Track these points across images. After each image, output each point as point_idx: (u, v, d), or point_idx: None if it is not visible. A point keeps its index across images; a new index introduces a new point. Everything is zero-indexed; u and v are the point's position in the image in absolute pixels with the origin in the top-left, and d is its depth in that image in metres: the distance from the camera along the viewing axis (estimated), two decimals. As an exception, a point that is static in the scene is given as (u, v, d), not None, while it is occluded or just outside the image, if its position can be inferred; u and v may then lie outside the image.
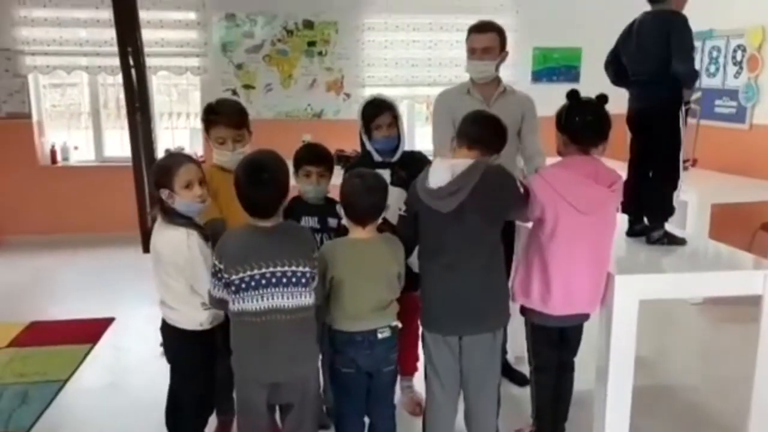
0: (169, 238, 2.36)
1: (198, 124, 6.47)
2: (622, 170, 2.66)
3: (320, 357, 2.45)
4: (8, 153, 6.12)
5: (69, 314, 4.50)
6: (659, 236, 2.89)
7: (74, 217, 6.24)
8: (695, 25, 2.82)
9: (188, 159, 2.45)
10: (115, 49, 4.13)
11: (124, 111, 4.26)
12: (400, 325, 2.47)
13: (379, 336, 2.40)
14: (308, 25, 6.32)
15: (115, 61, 4.18)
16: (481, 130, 2.43)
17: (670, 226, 2.97)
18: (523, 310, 2.67)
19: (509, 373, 3.44)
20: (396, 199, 2.59)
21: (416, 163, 2.85)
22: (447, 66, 6.43)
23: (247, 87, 6.33)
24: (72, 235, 6.18)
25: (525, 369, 3.07)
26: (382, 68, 6.45)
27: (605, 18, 6.01)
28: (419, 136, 6.50)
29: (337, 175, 2.73)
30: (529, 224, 2.61)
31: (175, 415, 2.58)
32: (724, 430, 3.10)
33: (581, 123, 2.47)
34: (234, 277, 2.16)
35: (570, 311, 2.54)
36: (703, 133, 5.07)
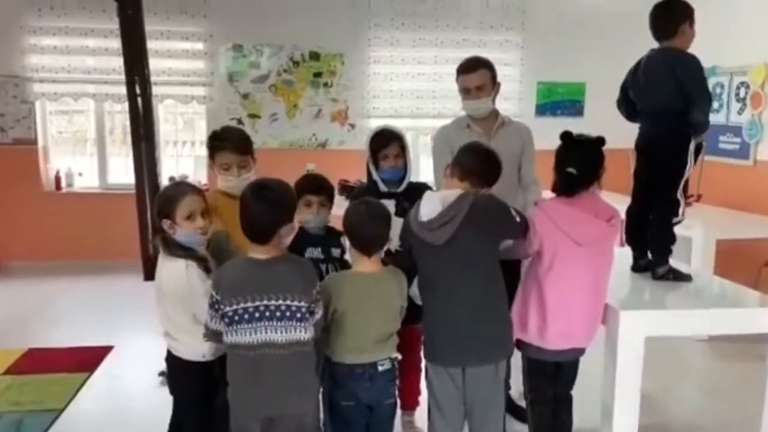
0: (169, 269, 2.34)
1: (203, 152, 6.51)
2: (623, 203, 2.66)
3: (320, 390, 2.41)
4: (13, 178, 6.14)
5: (67, 341, 4.46)
6: (664, 272, 2.87)
7: (77, 243, 6.22)
8: (700, 63, 2.83)
9: (192, 189, 2.43)
10: (122, 77, 4.17)
11: (129, 138, 4.28)
12: (399, 357, 2.44)
13: (380, 368, 2.37)
14: (314, 56, 6.39)
15: (122, 89, 4.20)
16: (475, 161, 2.47)
17: (674, 262, 2.95)
18: (519, 344, 2.65)
19: (512, 408, 3.38)
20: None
21: (421, 194, 2.85)
22: (451, 98, 6.43)
23: (253, 116, 6.37)
24: (74, 262, 6.15)
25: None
26: (387, 100, 6.49)
27: (608, 54, 6.10)
28: (423, 168, 6.51)
29: (341, 206, 2.73)
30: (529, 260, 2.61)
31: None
32: (731, 472, 3.03)
33: (568, 177, 2.48)
34: (228, 309, 2.14)
35: (566, 345, 2.54)
36: (707, 169, 5.06)
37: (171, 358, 2.48)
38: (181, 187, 2.52)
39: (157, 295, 2.42)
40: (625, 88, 3.02)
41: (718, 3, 5.24)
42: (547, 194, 2.66)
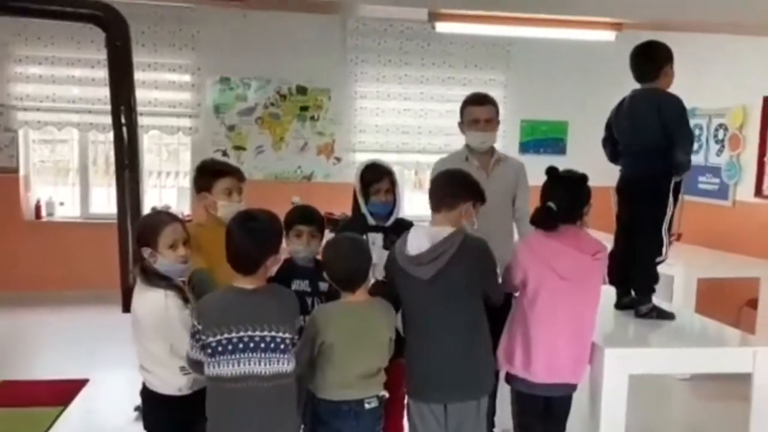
0: (146, 299, 2.30)
1: (187, 183, 6.48)
2: (605, 241, 2.68)
3: (301, 428, 2.36)
4: (-8, 207, 6.06)
5: (42, 374, 4.36)
6: (648, 310, 2.88)
7: (55, 273, 6.12)
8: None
9: (174, 218, 2.41)
10: (107, 107, 4.18)
11: (112, 168, 4.26)
12: (387, 395, 2.41)
13: (366, 406, 2.33)
14: (301, 90, 6.43)
15: (107, 119, 4.20)
16: (433, 187, 2.52)
17: (657, 300, 2.97)
18: (509, 378, 2.64)
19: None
20: None
21: (406, 230, 2.88)
22: (436, 134, 6.54)
23: (238, 148, 6.38)
24: (52, 292, 6.04)
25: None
26: (373, 134, 6.54)
27: (590, 93, 6.23)
28: (407, 202, 6.52)
29: (326, 238, 2.73)
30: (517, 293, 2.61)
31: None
32: None
33: (546, 211, 2.51)
34: (211, 339, 2.10)
35: (552, 380, 2.52)
36: (687, 209, 5.12)
37: (146, 392, 2.42)
38: (162, 215, 2.52)
39: (134, 327, 2.37)
40: (609, 129, 3.07)
41: (697, 46, 5.37)
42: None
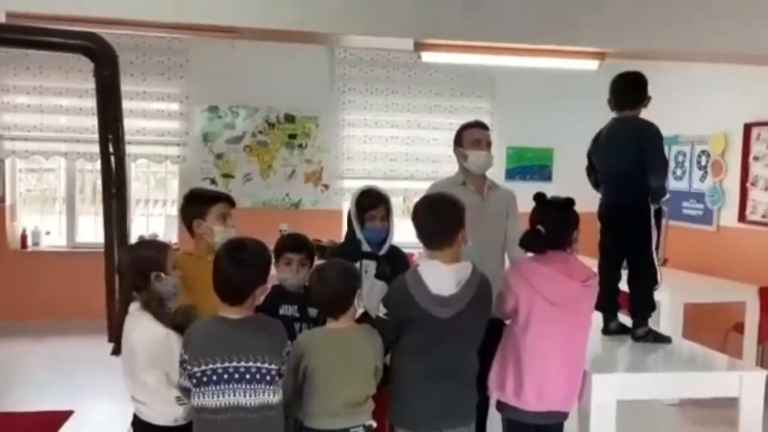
0: (145, 328, 2.27)
1: (174, 211, 6.47)
2: (593, 267, 2.70)
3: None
4: (-23, 236, 6.01)
5: (26, 405, 4.29)
6: (644, 333, 2.92)
7: (41, 303, 6.05)
8: (662, 131, 2.95)
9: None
10: (94, 135, 4.16)
11: (99, 197, 4.24)
12: (375, 424, 2.39)
13: (353, 436, 2.31)
14: (290, 118, 6.48)
15: (94, 148, 4.19)
16: (426, 229, 2.44)
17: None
18: (500, 406, 2.62)
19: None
20: (380, 292, 2.60)
21: (399, 260, 2.95)
22: (424, 161, 6.58)
23: (227, 176, 6.39)
24: (37, 322, 5.97)
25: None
26: (361, 162, 6.58)
27: (575, 121, 6.26)
28: (396, 229, 6.54)
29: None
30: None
31: None
32: None
33: (535, 234, 2.53)
34: (196, 369, 2.09)
35: (543, 408, 2.50)
36: (672, 234, 5.18)
37: (139, 423, 2.38)
38: (156, 241, 2.53)
39: (126, 358, 2.35)
40: (590, 158, 3.12)
41: (678, 74, 5.48)
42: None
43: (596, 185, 3.13)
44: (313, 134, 6.52)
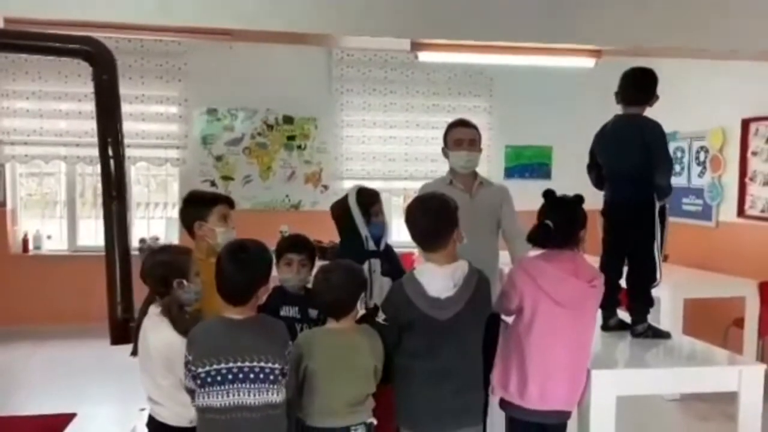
0: (163, 335, 2.29)
1: (175, 213, 6.48)
2: (593, 264, 2.71)
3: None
4: (-21, 241, 6.02)
5: (29, 409, 4.30)
6: (643, 329, 2.92)
7: (43, 307, 6.06)
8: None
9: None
10: (94, 139, 4.17)
11: (100, 200, 4.25)
12: (375, 422, 2.40)
13: (353, 433, 2.32)
14: (288, 120, 6.49)
15: (94, 152, 4.20)
16: (419, 232, 2.42)
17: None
18: (503, 404, 2.62)
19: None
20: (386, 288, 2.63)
21: (393, 255, 3.00)
22: (423, 161, 6.60)
23: (226, 178, 6.41)
24: (39, 326, 5.98)
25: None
26: (360, 162, 6.60)
27: (573, 118, 6.32)
28: (395, 229, 6.55)
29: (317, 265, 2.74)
30: (511, 318, 2.62)
31: None
32: None
33: (543, 228, 2.52)
34: (200, 370, 2.10)
35: (546, 407, 2.50)
36: (671, 230, 5.18)
37: (154, 424, 2.40)
38: (179, 247, 2.60)
39: (143, 358, 2.37)
40: (592, 155, 3.12)
41: (675, 70, 5.49)
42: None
43: (597, 183, 3.13)
44: (312, 135, 6.54)
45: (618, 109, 3.03)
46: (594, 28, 4.06)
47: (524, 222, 2.65)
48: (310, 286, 2.74)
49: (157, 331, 2.32)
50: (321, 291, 2.39)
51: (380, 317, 2.43)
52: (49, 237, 6.44)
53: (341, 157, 6.57)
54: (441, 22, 3.87)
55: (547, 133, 6.77)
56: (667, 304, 4.51)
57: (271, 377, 2.13)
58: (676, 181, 5.86)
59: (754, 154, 5.29)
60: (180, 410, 2.31)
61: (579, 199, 2.56)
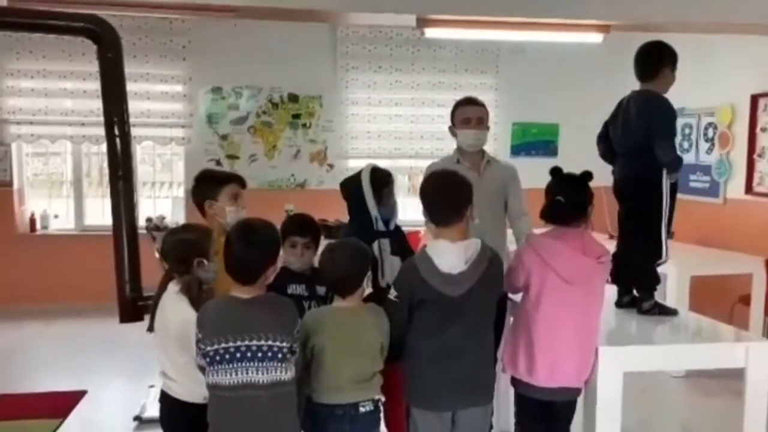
0: (181, 313, 2.31)
1: (181, 193, 6.50)
2: (603, 243, 2.70)
3: (300, 432, 2.38)
4: (-14, 221, 6.05)
5: (39, 387, 4.36)
6: (650, 307, 2.92)
7: (51, 286, 6.11)
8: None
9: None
10: (99, 118, 4.17)
11: (106, 179, 4.26)
12: (383, 398, 2.41)
13: (361, 410, 2.33)
14: (293, 98, 6.46)
15: (100, 131, 4.20)
16: (433, 204, 2.41)
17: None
18: (513, 382, 2.64)
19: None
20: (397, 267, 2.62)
21: (401, 236, 2.99)
22: (428, 139, 6.57)
23: (232, 157, 6.40)
24: (48, 305, 6.03)
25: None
26: (365, 140, 6.57)
27: (580, 95, 6.28)
28: (401, 208, 6.54)
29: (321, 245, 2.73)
30: (519, 296, 2.62)
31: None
32: None
33: (555, 204, 2.52)
34: (209, 348, 2.11)
35: (554, 384, 2.51)
36: (679, 207, 5.17)
37: (168, 400, 2.43)
38: (199, 226, 2.58)
39: (159, 334, 2.39)
40: (606, 127, 3.10)
41: (684, 46, 5.41)
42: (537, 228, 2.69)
43: (604, 155, 3.11)
44: (317, 114, 6.51)
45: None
46: (602, 2, 4.01)
47: (532, 199, 2.63)
48: (317, 266, 2.75)
49: (176, 309, 2.33)
50: (326, 269, 2.40)
51: (392, 294, 2.41)
52: (56, 216, 6.46)
53: (346, 136, 6.55)
54: (447, -3, 3.83)
55: (553, 111, 6.72)
56: (674, 281, 4.51)
57: (279, 355, 2.14)
58: (683, 158, 5.87)
59: (763, 130, 5.24)
60: (194, 387, 2.33)
61: (587, 175, 2.55)
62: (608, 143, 3.08)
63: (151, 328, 2.43)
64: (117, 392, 4.23)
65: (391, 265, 2.78)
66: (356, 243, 2.46)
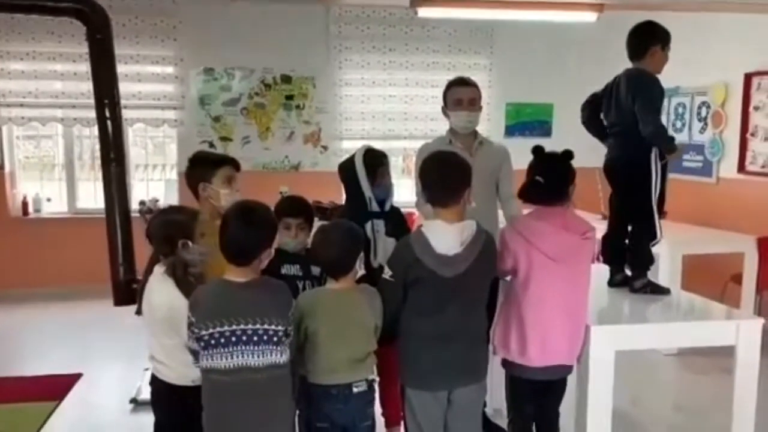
0: (167, 295, 2.31)
1: (174, 175, 6.47)
2: (593, 221, 2.71)
3: (296, 413, 2.40)
4: (-22, 204, 6.02)
5: (35, 370, 4.37)
6: (642, 285, 2.95)
7: (44, 269, 6.11)
8: (662, 83, 2.92)
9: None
10: (90, 101, 4.14)
11: (98, 163, 4.24)
12: (377, 378, 2.43)
13: (355, 390, 2.35)
14: (286, 79, 6.42)
15: (91, 113, 4.17)
16: (431, 183, 2.41)
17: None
18: (504, 363, 2.66)
19: (487, 425, 3.39)
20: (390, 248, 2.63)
21: (398, 216, 3.02)
22: (422, 120, 6.55)
23: (225, 139, 6.37)
24: (41, 288, 6.03)
25: (503, 422, 3.03)
26: (359, 122, 6.55)
27: (575, 75, 6.25)
28: (395, 188, 6.54)
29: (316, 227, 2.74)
30: (508, 278, 2.63)
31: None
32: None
33: (534, 184, 2.53)
34: (203, 332, 2.11)
35: (547, 362, 2.53)
36: (671, 186, 5.18)
37: (157, 382, 2.44)
38: (185, 208, 2.57)
39: (147, 317, 2.39)
40: (595, 96, 3.10)
41: (677, 24, 5.39)
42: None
43: (587, 123, 3.13)
44: (311, 95, 6.47)
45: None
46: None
47: (523, 180, 2.63)
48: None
49: (161, 291, 2.33)
50: (319, 250, 2.41)
51: (386, 273, 2.41)
52: (48, 200, 6.44)
53: (340, 117, 6.52)
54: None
55: (547, 90, 6.70)
56: (666, 260, 4.54)
57: (275, 339, 2.14)
58: (676, 137, 5.87)
59: (756, 109, 5.24)
60: (183, 370, 2.33)
61: (568, 154, 2.55)
62: (593, 110, 3.09)
63: (139, 311, 2.43)
64: (112, 375, 4.24)
65: (385, 246, 2.79)
66: (348, 224, 2.47)
